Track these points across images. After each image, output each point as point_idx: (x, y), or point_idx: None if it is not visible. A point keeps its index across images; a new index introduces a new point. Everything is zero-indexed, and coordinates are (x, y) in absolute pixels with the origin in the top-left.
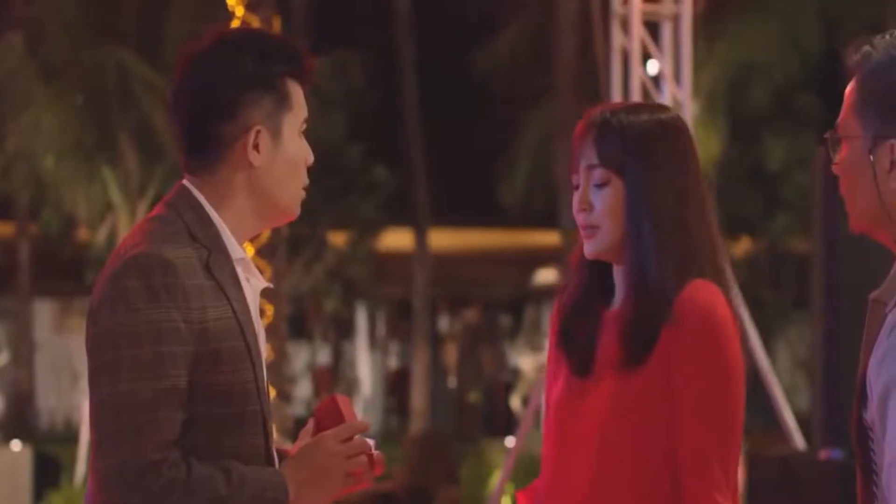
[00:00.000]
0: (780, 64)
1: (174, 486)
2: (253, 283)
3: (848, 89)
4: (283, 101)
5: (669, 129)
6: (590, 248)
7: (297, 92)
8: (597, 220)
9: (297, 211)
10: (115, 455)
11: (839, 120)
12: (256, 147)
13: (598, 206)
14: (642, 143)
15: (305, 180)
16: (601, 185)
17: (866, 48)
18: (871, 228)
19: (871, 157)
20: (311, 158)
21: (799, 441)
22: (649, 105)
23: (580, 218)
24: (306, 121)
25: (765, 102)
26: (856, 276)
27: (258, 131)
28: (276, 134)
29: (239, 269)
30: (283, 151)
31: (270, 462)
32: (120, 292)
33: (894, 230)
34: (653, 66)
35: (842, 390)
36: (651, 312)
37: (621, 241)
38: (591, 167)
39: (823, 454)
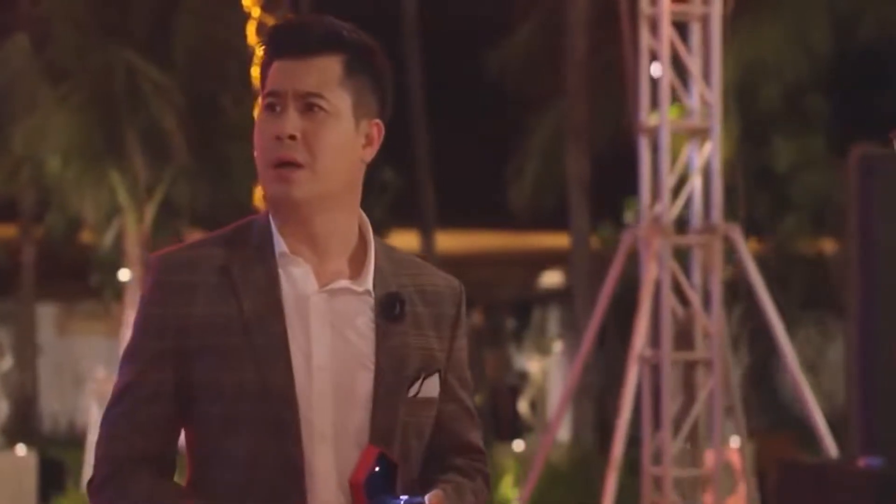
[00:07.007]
0: (790, 65)
1: (109, 484)
2: (301, 283)
3: None
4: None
5: None
6: None
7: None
8: None
9: (276, 193)
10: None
11: None
12: None
13: None
14: None
15: (274, 156)
16: None
17: None
18: None
19: None
20: (276, 129)
21: (830, 446)
22: None
23: None
24: (272, 94)
25: (774, 103)
26: (893, 280)
27: None
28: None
29: (282, 268)
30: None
31: (288, 469)
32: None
33: None
34: (656, 69)
35: (881, 397)
36: None
37: None
38: None
39: (862, 462)
